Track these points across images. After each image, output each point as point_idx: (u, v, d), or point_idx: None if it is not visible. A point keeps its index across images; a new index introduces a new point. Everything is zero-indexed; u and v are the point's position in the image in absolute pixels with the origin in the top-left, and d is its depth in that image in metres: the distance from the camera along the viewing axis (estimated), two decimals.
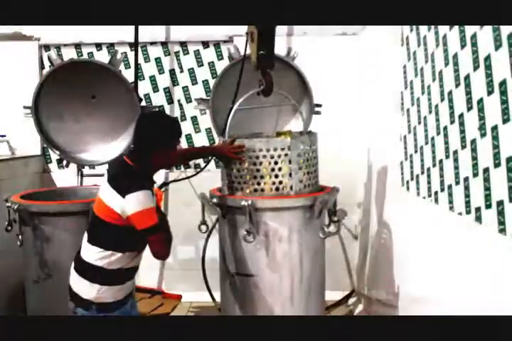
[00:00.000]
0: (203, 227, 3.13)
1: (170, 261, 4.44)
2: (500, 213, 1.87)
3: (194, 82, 4.42)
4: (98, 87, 3.82)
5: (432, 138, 2.60)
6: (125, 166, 2.41)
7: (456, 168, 2.29)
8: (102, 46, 4.37)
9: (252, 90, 3.03)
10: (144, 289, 4.37)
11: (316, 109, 3.70)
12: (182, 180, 3.75)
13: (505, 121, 1.82)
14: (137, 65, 3.98)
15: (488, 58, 1.96)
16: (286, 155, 2.80)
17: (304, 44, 4.04)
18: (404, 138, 3.11)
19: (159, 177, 4.13)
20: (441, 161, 2.48)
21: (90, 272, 2.39)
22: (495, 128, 1.90)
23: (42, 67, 4.34)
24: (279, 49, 3.39)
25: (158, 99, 4.43)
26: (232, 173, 2.90)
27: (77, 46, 4.37)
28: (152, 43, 4.38)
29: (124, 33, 4.02)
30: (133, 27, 3.87)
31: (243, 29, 3.11)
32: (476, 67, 2.06)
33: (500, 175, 1.87)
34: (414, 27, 2.88)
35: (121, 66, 3.92)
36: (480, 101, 2.03)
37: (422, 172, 2.77)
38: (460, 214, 2.24)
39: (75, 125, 3.85)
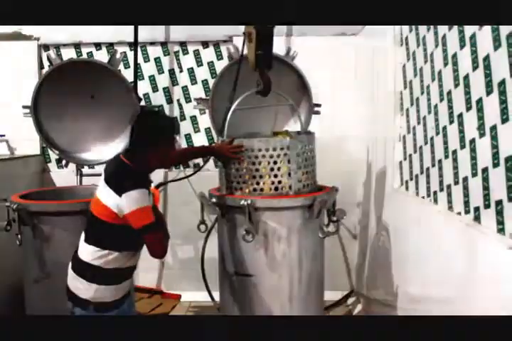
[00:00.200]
0: (202, 227, 3.13)
1: (169, 260, 4.45)
2: (499, 213, 1.87)
3: (193, 81, 4.42)
4: (97, 87, 3.81)
5: (431, 138, 2.60)
6: (122, 165, 2.41)
7: (456, 167, 2.29)
8: (102, 46, 4.37)
9: (250, 90, 3.03)
10: (143, 289, 4.38)
11: (316, 108, 3.70)
12: (180, 179, 3.76)
13: (504, 121, 1.83)
14: (136, 65, 3.98)
15: (487, 58, 1.96)
16: (285, 154, 2.80)
17: (303, 44, 4.04)
18: (403, 138, 3.11)
19: (158, 176, 4.15)
20: (440, 161, 2.48)
21: (87, 271, 2.40)
22: (494, 128, 1.90)
23: (41, 66, 4.34)
24: (279, 49, 3.40)
25: (158, 99, 4.44)
26: (231, 173, 2.90)
27: (77, 46, 4.37)
28: (152, 43, 4.39)
29: (123, 32, 4.02)
30: (132, 27, 3.87)
31: (243, 29, 3.11)
32: (475, 67, 2.07)
33: (499, 175, 1.87)
34: (413, 27, 2.88)
35: (121, 66, 3.92)
36: (479, 101, 2.03)
37: (422, 172, 2.77)
38: (459, 213, 2.25)
39: (74, 125, 3.85)
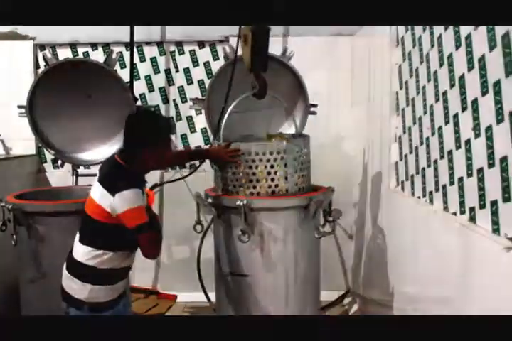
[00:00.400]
0: (198, 227, 3.13)
1: (165, 261, 4.44)
2: (494, 213, 1.88)
3: (189, 81, 4.42)
4: (93, 87, 3.80)
5: (427, 139, 2.61)
6: (116, 165, 2.41)
7: (451, 168, 2.30)
8: (98, 46, 4.36)
9: (245, 93, 3.02)
10: (139, 289, 4.36)
11: (312, 109, 3.70)
12: (175, 181, 3.75)
13: (499, 121, 1.83)
14: (133, 65, 3.97)
15: (482, 59, 1.96)
16: (282, 158, 2.80)
17: (299, 44, 4.04)
18: (399, 138, 3.12)
19: (154, 177, 4.14)
20: (436, 161, 2.49)
21: (82, 272, 2.39)
22: (489, 128, 1.91)
23: (37, 66, 4.33)
24: (275, 49, 3.39)
25: (154, 99, 4.43)
26: (228, 177, 2.89)
27: (73, 46, 4.35)
28: (148, 43, 4.38)
29: (119, 32, 4.01)
30: (128, 27, 3.86)
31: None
32: (470, 68, 2.07)
33: (494, 175, 1.87)
34: (409, 27, 2.89)
35: (117, 66, 3.91)
36: (474, 101, 2.04)
37: (417, 173, 2.77)
38: (454, 214, 2.25)
39: (69, 124, 3.83)
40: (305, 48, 4.01)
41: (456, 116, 2.23)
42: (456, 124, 2.23)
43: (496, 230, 1.86)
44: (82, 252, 2.40)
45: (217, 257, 3.01)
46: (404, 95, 3.01)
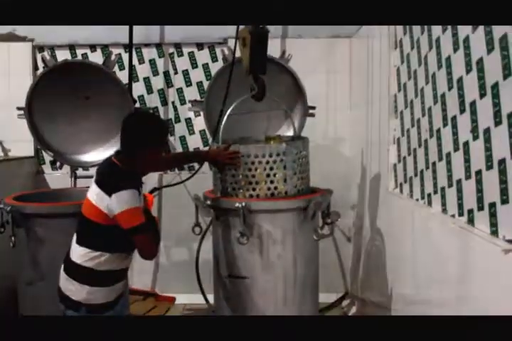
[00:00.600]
0: (197, 229, 3.13)
1: (163, 262, 4.44)
2: (493, 215, 1.88)
3: (188, 83, 4.42)
4: (92, 89, 3.80)
5: (425, 141, 2.61)
6: (112, 166, 2.41)
7: (449, 170, 2.30)
8: (96, 47, 4.36)
9: (244, 95, 3.02)
10: (137, 291, 4.36)
11: (310, 111, 3.70)
12: (174, 185, 3.75)
13: (497, 123, 1.83)
14: (131, 67, 3.98)
15: (480, 61, 1.97)
16: (281, 161, 2.81)
17: (298, 46, 4.05)
18: (397, 140, 3.12)
19: (153, 180, 4.14)
20: (434, 164, 2.49)
21: (79, 273, 2.40)
22: (487, 130, 1.91)
23: (36, 68, 4.33)
24: (274, 51, 3.40)
25: (153, 101, 4.43)
26: (227, 179, 2.89)
27: (71, 47, 4.35)
28: (146, 45, 4.37)
29: (118, 34, 4.01)
30: (127, 28, 3.86)
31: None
32: (468, 70, 2.07)
33: (492, 178, 1.87)
34: (407, 30, 2.89)
35: (116, 67, 3.91)
36: (472, 103, 2.04)
37: (416, 175, 2.78)
38: (453, 216, 2.25)
39: (68, 126, 3.84)
40: (303, 50, 4.02)
41: (454, 118, 2.23)
42: (455, 126, 2.23)
43: (495, 232, 1.86)
44: (79, 254, 2.40)
45: (216, 259, 3.01)
46: (402, 97, 3.01)
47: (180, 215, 3.75)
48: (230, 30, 3.21)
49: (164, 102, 4.44)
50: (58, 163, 3.92)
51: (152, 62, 4.42)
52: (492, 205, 1.88)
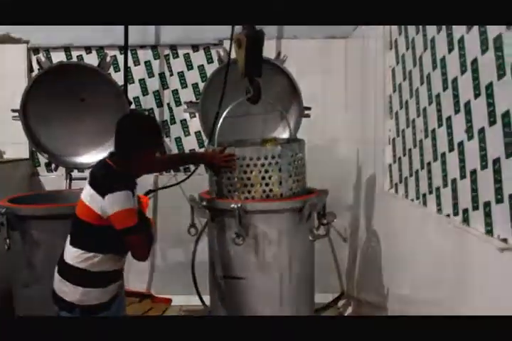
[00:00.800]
0: (192, 230, 3.13)
1: (159, 264, 4.44)
2: (488, 214, 1.89)
3: (184, 85, 4.42)
4: (87, 90, 3.80)
5: (420, 141, 2.62)
6: (106, 168, 2.41)
7: (444, 170, 2.30)
8: (92, 49, 4.35)
9: (239, 98, 3.02)
10: (133, 293, 4.35)
11: (306, 111, 3.71)
12: (169, 187, 3.74)
13: (491, 123, 1.84)
14: (127, 68, 3.97)
15: (475, 62, 1.98)
16: (276, 163, 2.81)
17: (293, 47, 4.06)
18: (393, 141, 3.13)
19: (148, 181, 4.13)
20: (429, 164, 2.50)
21: (73, 274, 2.39)
22: (482, 130, 1.92)
23: (31, 70, 4.32)
24: (269, 52, 3.40)
25: (148, 103, 4.43)
26: (222, 181, 2.89)
27: (67, 49, 4.35)
28: (142, 46, 4.38)
29: (113, 36, 4.01)
30: (122, 30, 3.86)
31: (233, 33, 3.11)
32: (463, 71, 2.08)
33: (487, 177, 1.88)
34: (402, 30, 2.90)
35: (111, 69, 3.91)
36: (467, 104, 2.05)
37: (411, 175, 2.78)
38: (448, 215, 2.26)
39: (63, 128, 3.83)
40: (299, 51, 4.03)
41: (449, 118, 2.24)
42: (449, 127, 2.24)
43: (489, 231, 1.87)
44: (73, 255, 2.40)
45: (212, 260, 3.01)
46: (397, 98, 3.02)
47: (176, 216, 3.74)
48: (225, 31, 3.22)
49: (160, 104, 4.44)
50: (53, 165, 3.91)
51: (147, 64, 4.42)
52: (487, 205, 1.89)
